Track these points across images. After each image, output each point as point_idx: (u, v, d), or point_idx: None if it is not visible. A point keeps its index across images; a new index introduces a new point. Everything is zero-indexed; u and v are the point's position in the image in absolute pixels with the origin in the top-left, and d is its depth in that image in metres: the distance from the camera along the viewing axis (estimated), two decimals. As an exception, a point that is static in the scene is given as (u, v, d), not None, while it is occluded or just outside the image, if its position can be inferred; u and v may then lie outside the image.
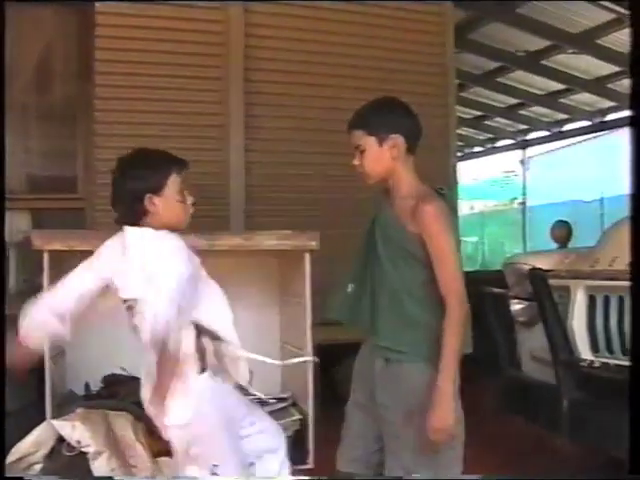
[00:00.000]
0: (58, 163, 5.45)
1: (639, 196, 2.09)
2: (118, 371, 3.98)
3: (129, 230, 2.58)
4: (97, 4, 5.04)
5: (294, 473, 3.61)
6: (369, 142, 2.47)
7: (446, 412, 2.31)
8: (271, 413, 3.64)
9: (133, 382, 3.93)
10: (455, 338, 2.33)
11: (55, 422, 3.32)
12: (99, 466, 3.32)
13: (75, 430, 3.36)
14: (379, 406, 2.54)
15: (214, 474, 2.57)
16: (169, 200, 2.61)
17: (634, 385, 2.14)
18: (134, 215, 2.58)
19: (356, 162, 2.52)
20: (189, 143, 5.10)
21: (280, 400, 3.77)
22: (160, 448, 3.37)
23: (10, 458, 3.15)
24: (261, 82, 5.35)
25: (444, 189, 2.55)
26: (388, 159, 2.47)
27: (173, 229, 2.61)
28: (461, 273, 2.41)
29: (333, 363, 5.48)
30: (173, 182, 2.62)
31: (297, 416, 3.68)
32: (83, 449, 3.31)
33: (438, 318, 2.36)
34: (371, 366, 2.58)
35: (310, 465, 3.70)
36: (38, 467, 3.25)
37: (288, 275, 3.97)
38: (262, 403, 3.67)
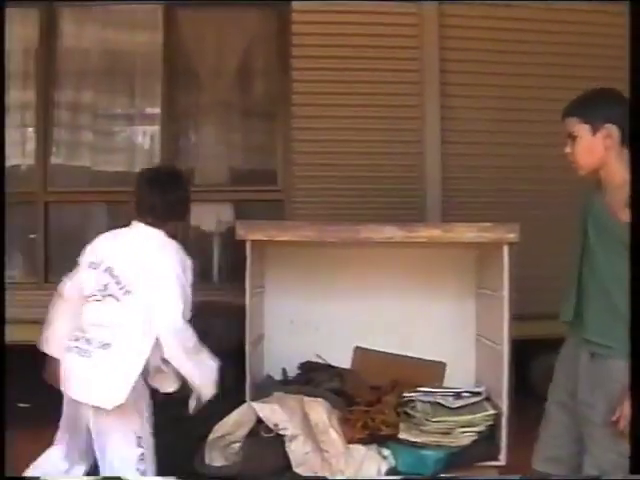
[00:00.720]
0: (259, 157, 5.67)
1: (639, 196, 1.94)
2: (314, 359, 4.07)
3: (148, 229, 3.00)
4: (294, 3, 5.20)
5: (484, 469, 3.57)
6: (582, 130, 2.44)
7: None
8: (465, 407, 3.61)
9: (329, 370, 4.04)
10: None
11: (255, 404, 3.44)
12: (295, 449, 3.41)
13: (274, 413, 3.47)
14: (580, 403, 2.47)
15: None
16: None
17: (634, 385, 2.09)
18: (174, 216, 3.04)
19: (568, 150, 2.50)
20: (385, 135, 5.17)
21: (474, 394, 3.71)
22: (353, 435, 3.43)
23: (212, 435, 3.31)
24: (457, 73, 5.33)
25: None
26: (601, 149, 2.43)
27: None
28: None
29: (529, 359, 5.34)
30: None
31: (491, 411, 3.61)
32: (280, 432, 3.42)
33: None
34: (576, 362, 2.51)
35: (502, 462, 3.62)
36: (237, 446, 3.38)
37: (486, 267, 3.89)
38: (456, 396, 3.64)
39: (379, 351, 3.53)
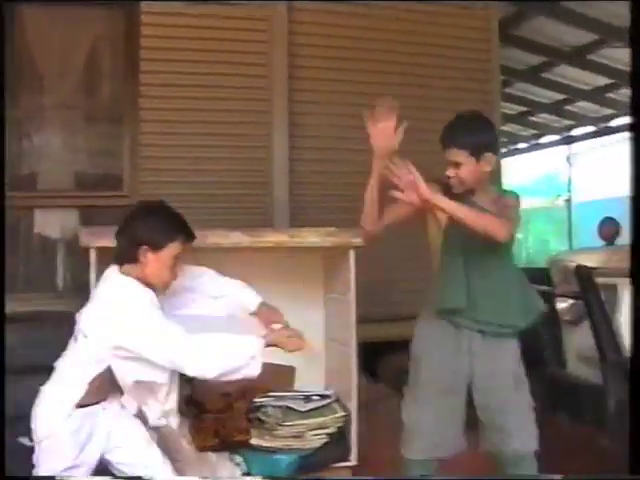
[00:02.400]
0: (105, 161, 5.52)
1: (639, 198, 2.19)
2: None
3: (112, 269, 2.75)
4: (142, 4, 5.10)
5: (337, 470, 3.64)
6: (468, 159, 2.78)
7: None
8: (315, 410, 3.66)
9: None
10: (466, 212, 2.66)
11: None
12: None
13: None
14: (480, 388, 2.83)
15: None
16: (160, 260, 2.73)
17: (634, 385, 2.19)
18: (126, 257, 2.72)
19: (451, 174, 2.82)
20: (234, 140, 5.15)
21: (324, 397, 3.77)
22: (204, 443, 3.41)
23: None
24: (305, 79, 5.38)
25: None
26: (481, 173, 2.82)
27: (150, 286, 2.75)
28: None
29: (376, 360, 5.48)
30: (173, 248, 2.75)
31: (340, 413, 3.68)
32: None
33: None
34: (459, 351, 2.85)
35: (353, 462, 3.70)
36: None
37: (333, 272, 3.97)
38: (306, 399, 3.69)
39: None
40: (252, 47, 5.32)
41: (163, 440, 3.22)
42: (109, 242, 2.95)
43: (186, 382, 3.55)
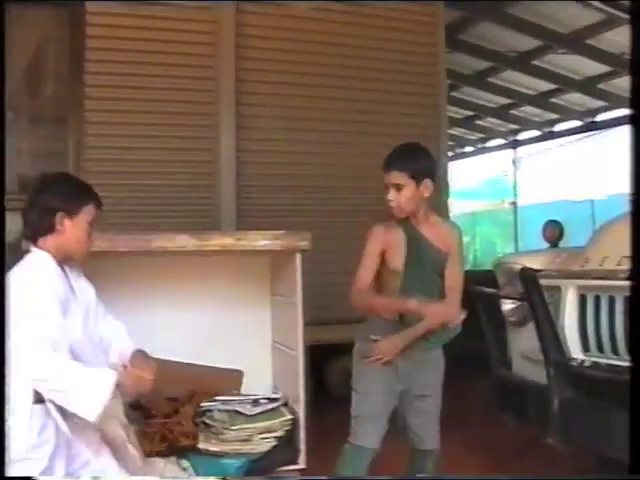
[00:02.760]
0: (49, 163, 5.42)
1: (639, 197, 2.13)
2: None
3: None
4: (88, 4, 5.03)
5: (286, 474, 3.63)
6: (408, 183, 2.88)
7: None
8: (262, 413, 3.65)
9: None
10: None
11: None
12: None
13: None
14: (414, 394, 2.98)
15: None
16: (78, 226, 2.68)
17: (634, 385, 2.14)
18: (40, 229, 2.66)
19: (391, 198, 2.90)
20: (180, 143, 5.12)
21: (271, 400, 3.77)
22: (151, 448, 3.37)
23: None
24: (253, 82, 5.38)
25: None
26: (421, 198, 2.91)
27: (69, 257, 2.70)
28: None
29: (323, 363, 5.49)
30: (88, 212, 2.70)
31: (288, 416, 3.68)
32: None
33: None
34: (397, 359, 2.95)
35: (301, 465, 3.70)
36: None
37: (279, 275, 3.97)
38: (254, 403, 3.68)
39: (174, 361, 3.47)
40: (199, 49, 5.29)
41: (110, 446, 3.19)
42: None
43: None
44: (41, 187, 2.74)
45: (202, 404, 3.62)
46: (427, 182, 2.90)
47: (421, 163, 2.94)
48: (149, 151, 5.11)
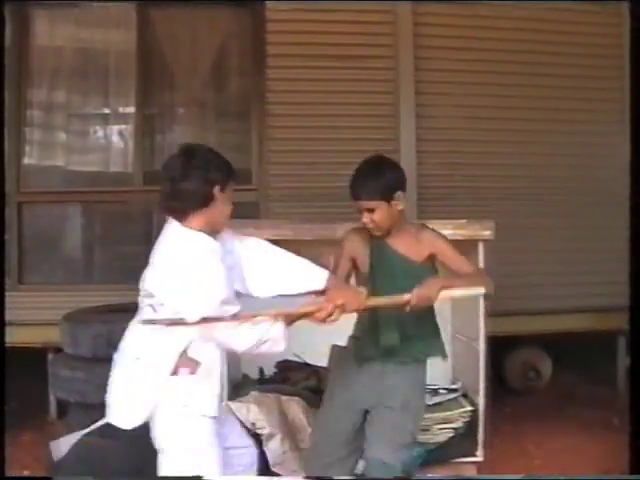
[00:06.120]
0: (233, 156, 5.63)
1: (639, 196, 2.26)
2: (291, 357, 4.07)
3: (173, 225, 2.58)
4: (268, 2, 5.20)
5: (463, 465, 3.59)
6: (380, 205, 2.83)
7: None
8: (441, 404, 3.63)
9: (305, 368, 4.04)
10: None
11: (232, 404, 3.43)
12: (272, 447, 3.42)
13: (250, 412, 3.48)
14: (381, 407, 2.84)
15: None
16: (228, 199, 2.62)
17: (634, 385, 2.20)
18: (195, 204, 2.54)
19: (366, 220, 2.86)
20: (360, 133, 5.16)
21: (450, 391, 3.74)
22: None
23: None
24: (432, 70, 5.34)
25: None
26: (396, 212, 2.87)
27: (215, 231, 2.61)
28: None
29: (502, 355, 5.38)
30: (231, 185, 2.63)
31: (468, 407, 3.64)
32: (258, 430, 3.42)
33: None
34: (369, 374, 2.91)
35: (479, 458, 3.65)
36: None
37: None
38: (433, 392, 3.66)
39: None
40: (377, 39, 5.32)
41: (290, 429, 3.28)
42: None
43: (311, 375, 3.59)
44: (196, 159, 2.57)
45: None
46: (398, 195, 2.85)
47: (387, 181, 2.84)
48: (329, 142, 5.20)
